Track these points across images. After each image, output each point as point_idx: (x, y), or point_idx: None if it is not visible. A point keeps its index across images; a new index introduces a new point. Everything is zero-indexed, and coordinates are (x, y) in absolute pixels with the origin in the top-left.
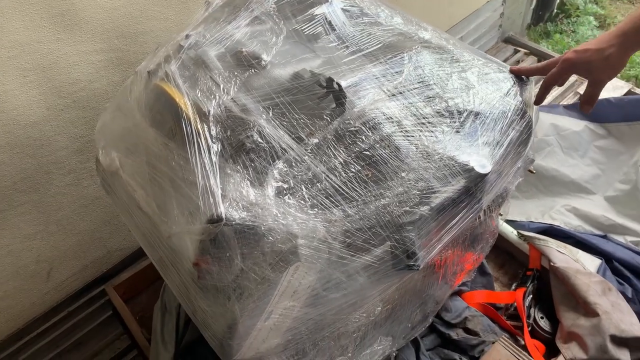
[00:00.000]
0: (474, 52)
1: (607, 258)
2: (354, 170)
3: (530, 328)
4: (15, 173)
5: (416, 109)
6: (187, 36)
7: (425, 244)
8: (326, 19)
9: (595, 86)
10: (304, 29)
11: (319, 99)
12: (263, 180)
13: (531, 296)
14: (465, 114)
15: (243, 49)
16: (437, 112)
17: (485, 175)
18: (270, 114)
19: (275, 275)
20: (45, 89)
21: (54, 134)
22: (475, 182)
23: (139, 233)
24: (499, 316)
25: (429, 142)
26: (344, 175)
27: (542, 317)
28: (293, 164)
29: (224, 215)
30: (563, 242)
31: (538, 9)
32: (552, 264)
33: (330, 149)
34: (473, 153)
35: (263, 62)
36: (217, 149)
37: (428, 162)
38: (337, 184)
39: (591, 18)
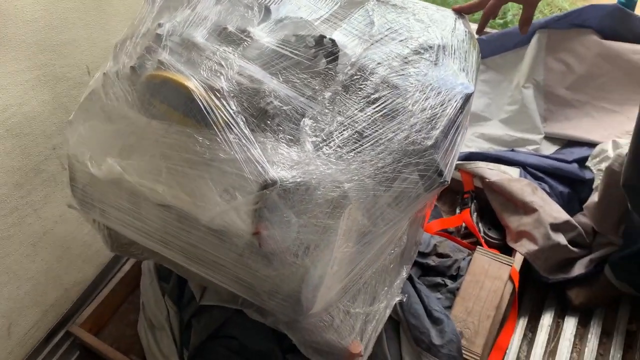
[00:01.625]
0: None
1: (522, 166)
2: (369, 113)
3: (483, 239)
4: None
5: (398, 51)
6: (160, 25)
7: (445, 163)
8: None
9: (530, 8)
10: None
11: (314, 58)
12: (297, 139)
13: (476, 213)
14: (435, 49)
15: (227, 26)
16: (414, 51)
17: (472, 93)
18: (281, 79)
19: (334, 222)
20: None
21: None
22: (466, 102)
23: (153, 237)
24: (455, 238)
25: (419, 77)
26: (363, 119)
27: (489, 229)
28: (318, 118)
29: (277, 178)
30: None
31: None
32: (486, 180)
33: (343, 100)
34: (456, 78)
35: (252, 35)
36: (243, 120)
37: (424, 93)
38: (361, 128)
39: None
